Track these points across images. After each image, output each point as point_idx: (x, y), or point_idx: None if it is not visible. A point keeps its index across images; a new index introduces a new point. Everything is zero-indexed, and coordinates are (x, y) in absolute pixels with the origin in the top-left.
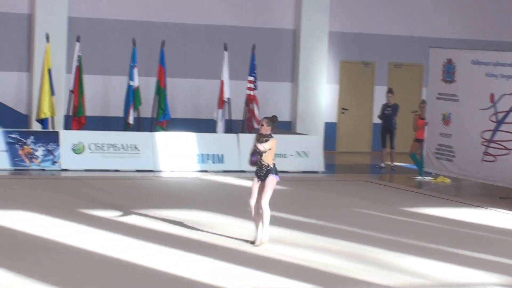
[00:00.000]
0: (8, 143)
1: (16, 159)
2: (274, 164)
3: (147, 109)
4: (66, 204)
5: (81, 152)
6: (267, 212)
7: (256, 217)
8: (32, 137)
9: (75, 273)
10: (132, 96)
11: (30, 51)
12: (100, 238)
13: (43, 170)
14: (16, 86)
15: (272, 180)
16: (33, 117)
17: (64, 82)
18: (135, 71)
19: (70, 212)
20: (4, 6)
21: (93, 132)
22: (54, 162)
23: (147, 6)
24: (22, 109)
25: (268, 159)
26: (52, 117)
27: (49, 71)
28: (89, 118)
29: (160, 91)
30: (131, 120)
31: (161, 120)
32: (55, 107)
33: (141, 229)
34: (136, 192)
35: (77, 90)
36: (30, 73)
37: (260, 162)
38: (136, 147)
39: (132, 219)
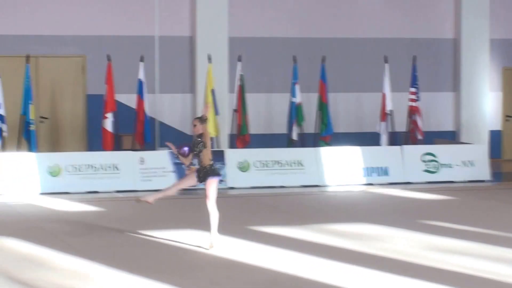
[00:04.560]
0: (176, 164)
1: None
2: (211, 165)
3: (310, 124)
4: (235, 222)
5: (246, 170)
6: (213, 215)
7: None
8: None
9: None
10: (295, 113)
11: (192, 72)
12: (270, 254)
13: None
14: (180, 107)
15: (211, 183)
16: None
17: (227, 102)
18: (297, 87)
19: (239, 229)
20: (166, 30)
21: (258, 150)
22: (220, 181)
23: (307, 23)
24: (187, 130)
25: (205, 160)
26: (217, 137)
27: (212, 91)
28: (253, 136)
29: (323, 106)
30: (294, 136)
31: (325, 135)
32: (220, 126)
33: (309, 243)
34: (302, 207)
35: (241, 109)
36: (194, 94)
37: (199, 164)
38: (300, 163)
39: (300, 234)
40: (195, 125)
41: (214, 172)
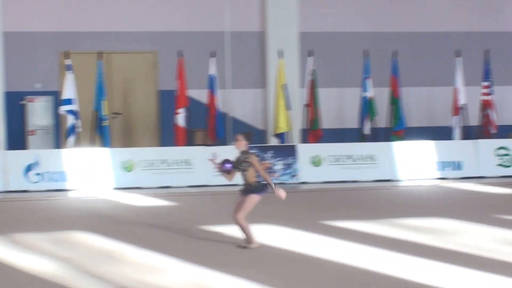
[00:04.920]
0: None
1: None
2: (257, 182)
3: (382, 119)
4: (308, 216)
5: (318, 165)
6: (246, 226)
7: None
8: (270, 152)
9: (325, 285)
10: (367, 107)
11: (263, 68)
12: (343, 248)
13: (283, 183)
14: (252, 102)
15: (251, 198)
16: (270, 132)
17: (298, 97)
18: (369, 82)
19: (312, 224)
20: (237, 25)
21: (330, 144)
22: (293, 176)
23: (378, 17)
24: (259, 125)
25: (250, 178)
26: (289, 132)
27: (284, 86)
28: (325, 130)
29: (395, 101)
30: (366, 130)
31: (397, 129)
32: (291, 121)
33: (382, 238)
34: (375, 202)
35: (312, 104)
36: (265, 89)
37: (244, 180)
38: (373, 158)
39: (373, 229)
40: (239, 140)
41: (259, 189)
